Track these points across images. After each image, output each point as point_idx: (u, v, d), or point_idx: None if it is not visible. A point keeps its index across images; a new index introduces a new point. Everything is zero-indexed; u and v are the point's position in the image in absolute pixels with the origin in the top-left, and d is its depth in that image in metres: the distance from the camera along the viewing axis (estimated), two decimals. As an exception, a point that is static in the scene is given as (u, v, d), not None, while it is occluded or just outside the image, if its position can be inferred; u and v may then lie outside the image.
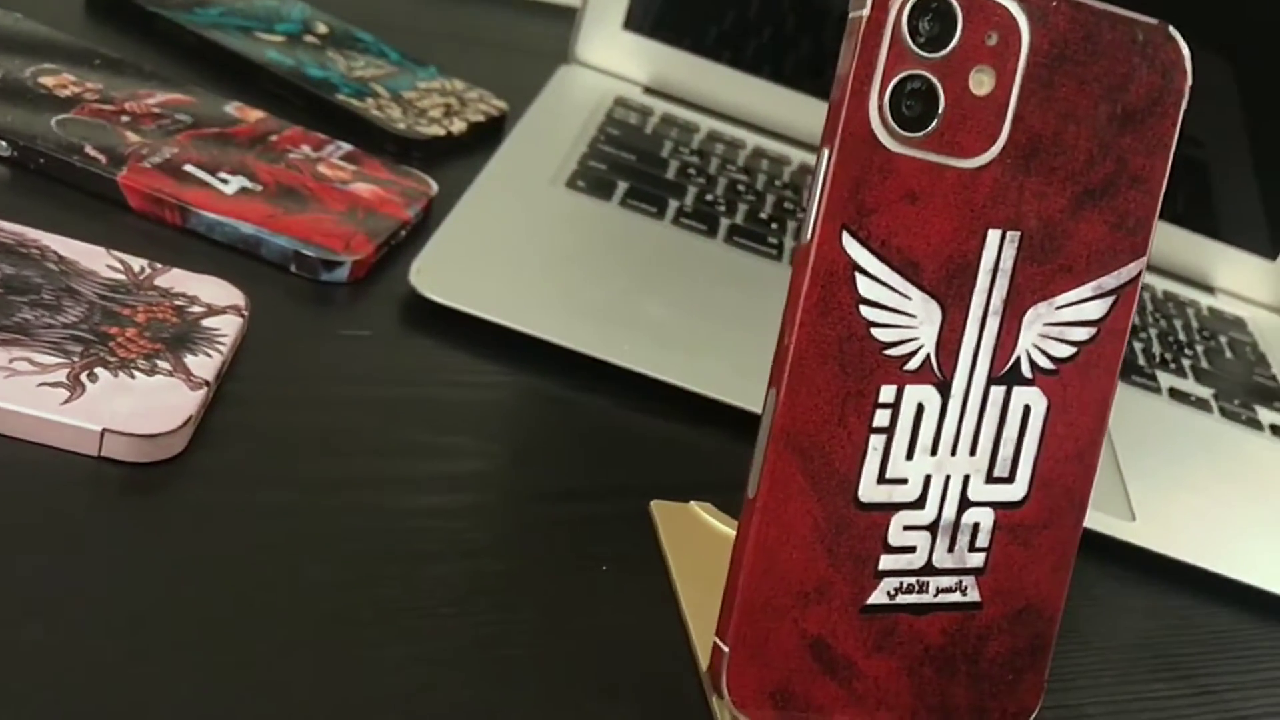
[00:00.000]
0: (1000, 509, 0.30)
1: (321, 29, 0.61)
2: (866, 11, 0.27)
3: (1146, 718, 0.36)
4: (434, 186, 0.49)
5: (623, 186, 0.52)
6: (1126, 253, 0.30)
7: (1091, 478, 0.31)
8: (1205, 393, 0.53)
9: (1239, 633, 0.41)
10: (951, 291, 0.28)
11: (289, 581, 0.30)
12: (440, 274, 0.43)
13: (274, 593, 0.30)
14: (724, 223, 0.52)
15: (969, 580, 0.30)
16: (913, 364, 0.29)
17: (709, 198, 0.54)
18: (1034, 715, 0.31)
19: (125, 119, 0.45)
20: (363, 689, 0.28)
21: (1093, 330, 0.30)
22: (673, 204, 0.52)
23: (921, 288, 0.28)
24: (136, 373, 0.33)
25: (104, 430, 0.30)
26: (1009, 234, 0.29)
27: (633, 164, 0.54)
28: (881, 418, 0.29)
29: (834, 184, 0.27)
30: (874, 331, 0.28)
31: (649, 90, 0.63)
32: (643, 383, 0.41)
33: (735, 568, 0.28)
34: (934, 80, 0.27)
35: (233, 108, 0.49)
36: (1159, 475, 0.46)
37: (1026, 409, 0.30)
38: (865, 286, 0.28)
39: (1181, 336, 0.58)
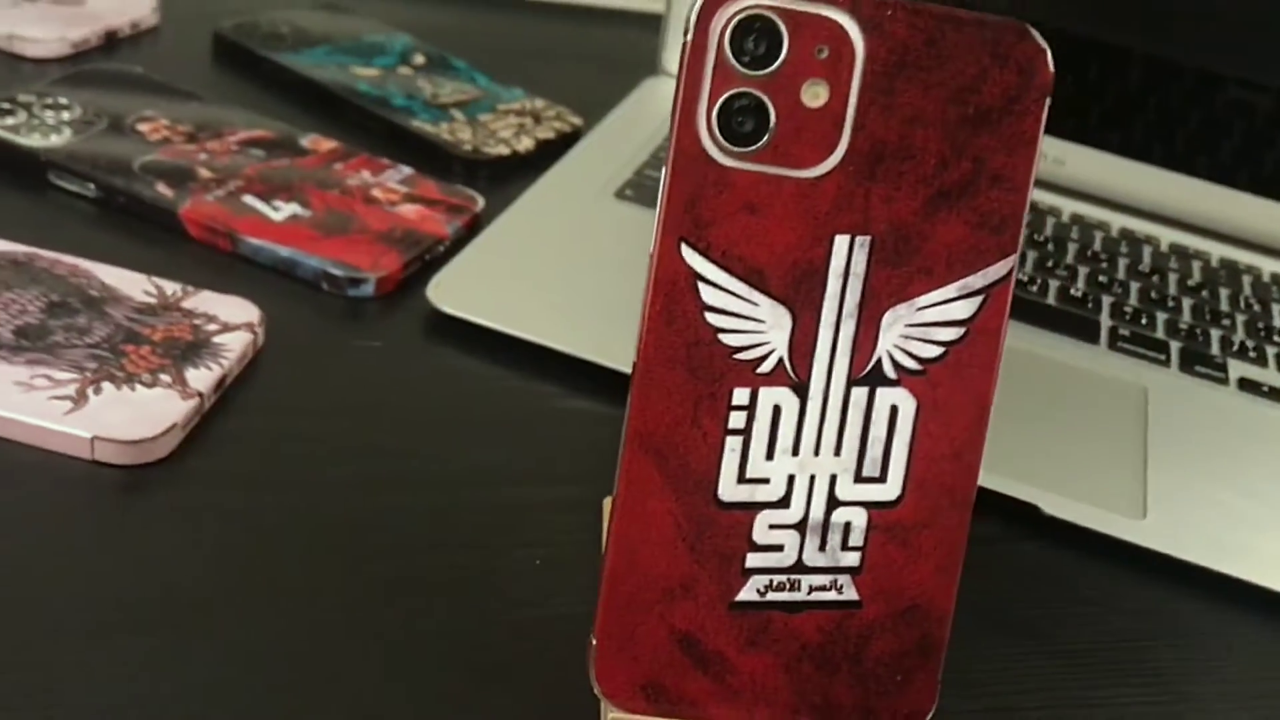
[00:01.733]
0: (874, 508, 0.30)
1: (419, 60, 0.65)
2: (690, 36, 0.28)
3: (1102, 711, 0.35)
4: (479, 203, 0.52)
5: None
6: (993, 252, 0.30)
7: (974, 477, 0.31)
8: (1281, 382, 0.50)
9: (1240, 637, 0.39)
10: (800, 297, 0.29)
11: (262, 576, 0.35)
12: (458, 287, 0.46)
13: (251, 585, 0.34)
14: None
15: (844, 579, 0.31)
16: (765, 367, 0.29)
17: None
18: (928, 717, 0.31)
19: (203, 156, 0.51)
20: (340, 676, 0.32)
21: (961, 330, 0.30)
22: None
23: (768, 294, 0.29)
24: (139, 385, 0.38)
25: (94, 437, 0.36)
26: (858, 239, 0.29)
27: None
28: (737, 419, 0.30)
29: (669, 200, 0.29)
30: (721, 337, 0.29)
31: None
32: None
33: (601, 566, 0.30)
34: (762, 97, 0.28)
35: (308, 140, 0.54)
36: (1192, 471, 0.44)
37: (894, 409, 0.30)
38: (709, 294, 0.29)
39: (1277, 323, 0.54)
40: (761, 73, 0.28)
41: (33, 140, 0.49)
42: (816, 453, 0.30)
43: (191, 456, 0.38)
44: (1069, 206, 0.61)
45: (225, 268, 0.47)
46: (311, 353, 0.44)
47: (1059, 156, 0.62)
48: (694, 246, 0.29)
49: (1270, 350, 0.53)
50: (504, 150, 0.58)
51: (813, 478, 0.30)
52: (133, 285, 0.42)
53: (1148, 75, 0.63)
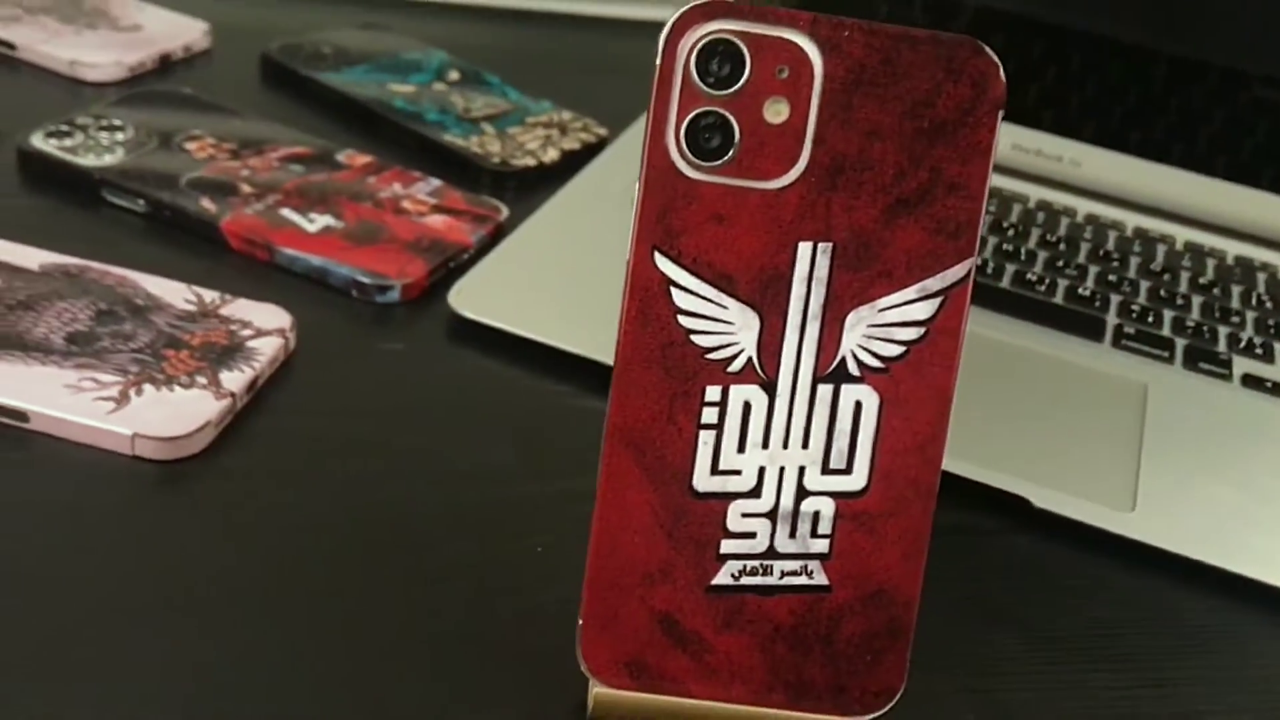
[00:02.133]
0: (841, 498, 0.32)
1: (453, 75, 0.68)
2: (659, 59, 0.30)
3: (1073, 704, 0.36)
4: (504, 212, 0.55)
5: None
6: (951, 255, 0.31)
7: (937, 468, 0.32)
8: (1286, 379, 0.51)
9: (1221, 626, 0.40)
10: (768, 300, 0.31)
11: (289, 565, 0.37)
12: (479, 293, 0.49)
13: (278, 573, 0.37)
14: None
15: (814, 564, 0.33)
16: (735, 366, 0.32)
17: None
18: (898, 695, 0.33)
19: (245, 172, 0.54)
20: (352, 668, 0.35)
21: (921, 330, 0.32)
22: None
23: (737, 298, 0.31)
24: (177, 387, 0.41)
25: (134, 434, 0.39)
26: (820, 245, 0.31)
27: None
28: (709, 415, 0.32)
29: (642, 211, 0.31)
30: (694, 338, 0.32)
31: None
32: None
33: (588, 552, 0.32)
34: (727, 115, 0.30)
35: (344, 155, 0.57)
36: (1186, 465, 0.45)
37: (858, 405, 0.32)
38: (681, 299, 0.31)
39: (1289, 321, 0.55)
40: (726, 92, 0.30)
41: (88, 160, 0.53)
42: (785, 446, 0.32)
43: (224, 453, 0.41)
44: (1084, 206, 0.62)
45: (263, 276, 0.50)
46: (340, 355, 0.47)
47: (1075, 158, 0.63)
48: (666, 254, 0.31)
49: (1278, 346, 0.53)
50: (530, 161, 0.60)
51: (782, 469, 0.32)
52: (175, 294, 0.46)
53: (1167, 74, 0.64)
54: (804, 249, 0.31)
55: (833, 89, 0.31)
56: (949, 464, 0.43)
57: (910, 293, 0.32)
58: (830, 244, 0.31)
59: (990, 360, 0.50)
